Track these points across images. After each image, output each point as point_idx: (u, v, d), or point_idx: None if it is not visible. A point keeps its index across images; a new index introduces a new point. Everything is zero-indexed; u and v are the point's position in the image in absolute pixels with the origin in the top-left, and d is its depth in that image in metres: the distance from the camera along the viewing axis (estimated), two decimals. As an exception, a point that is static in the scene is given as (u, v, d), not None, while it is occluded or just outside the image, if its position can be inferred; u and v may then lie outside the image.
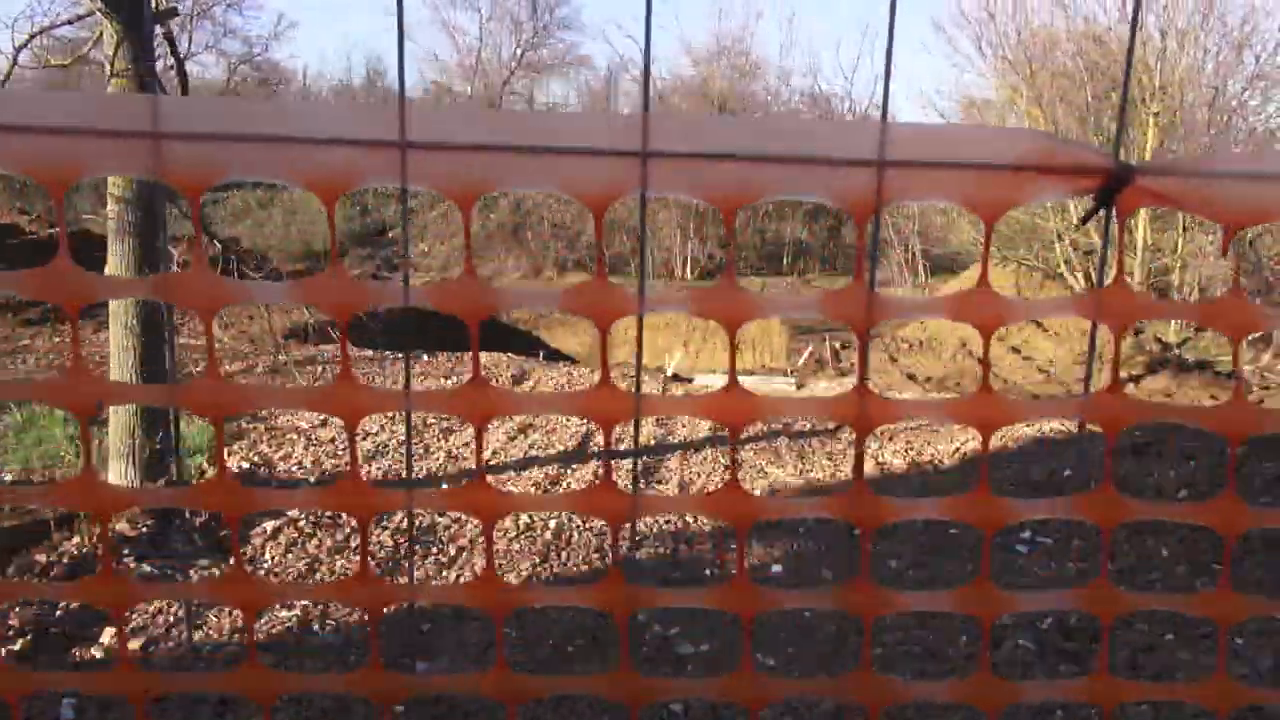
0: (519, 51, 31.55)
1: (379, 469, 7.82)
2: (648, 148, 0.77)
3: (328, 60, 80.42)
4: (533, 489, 7.34)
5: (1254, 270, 16.18)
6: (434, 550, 6.00)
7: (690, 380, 13.72)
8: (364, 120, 0.85)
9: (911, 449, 8.90)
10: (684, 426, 9.87)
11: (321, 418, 9.57)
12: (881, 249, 25.13)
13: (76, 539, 5.49)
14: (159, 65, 9.12)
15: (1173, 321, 18.69)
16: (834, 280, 24.73)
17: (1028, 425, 9.54)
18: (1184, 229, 18.65)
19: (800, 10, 57.77)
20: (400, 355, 13.61)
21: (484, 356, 13.88)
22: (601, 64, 60.11)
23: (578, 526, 6.51)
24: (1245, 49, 18.03)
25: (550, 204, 27.23)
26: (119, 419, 6.25)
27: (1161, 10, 17.85)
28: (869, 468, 8.36)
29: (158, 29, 6.45)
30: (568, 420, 9.94)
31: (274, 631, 4.75)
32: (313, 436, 8.80)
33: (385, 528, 6.34)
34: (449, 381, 12.02)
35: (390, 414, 9.43)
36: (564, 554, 5.97)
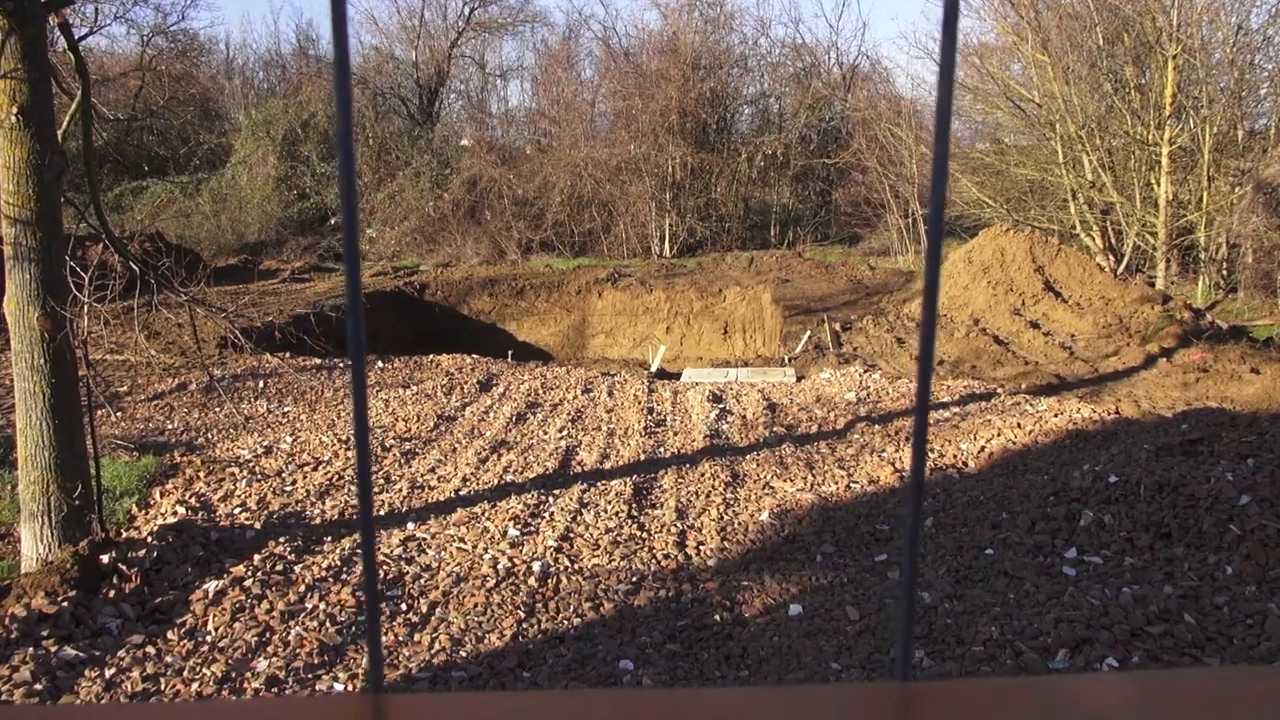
0: (467, 10, 30.94)
1: (334, 507, 7.51)
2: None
3: (252, 27, 78.99)
4: (511, 523, 7.08)
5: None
6: (402, 608, 5.72)
7: (677, 376, 13.46)
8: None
9: (933, 449, 8.71)
10: (676, 435, 9.63)
11: (265, 444, 9.26)
12: (878, 213, 24.96)
13: (-14, 621, 5.16)
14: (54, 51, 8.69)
15: (1200, 283, 18.66)
16: (827, 251, 24.53)
17: (1056, 415, 9.41)
18: (1208, 179, 18.58)
19: (775, -50, 57.34)
20: (346, 363, 13.26)
21: (447, 360, 13.56)
22: (559, 20, 59.50)
23: (566, 569, 6.25)
24: (1269, -22, 17.87)
25: (509, 179, 26.80)
26: (30, 476, 5.91)
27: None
28: (886, 475, 8.16)
29: (50, 18, 6.06)
30: (545, 434, 9.68)
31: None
32: (256, 469, 8.48)
33: (345, 582, 6.06)
34: (407, 391, 11.71)
35: (343, 438, 9.15)
36: (552, 605, 5.71)
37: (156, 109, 27.13)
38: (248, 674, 4.92)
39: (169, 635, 5.34)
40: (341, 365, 12.97)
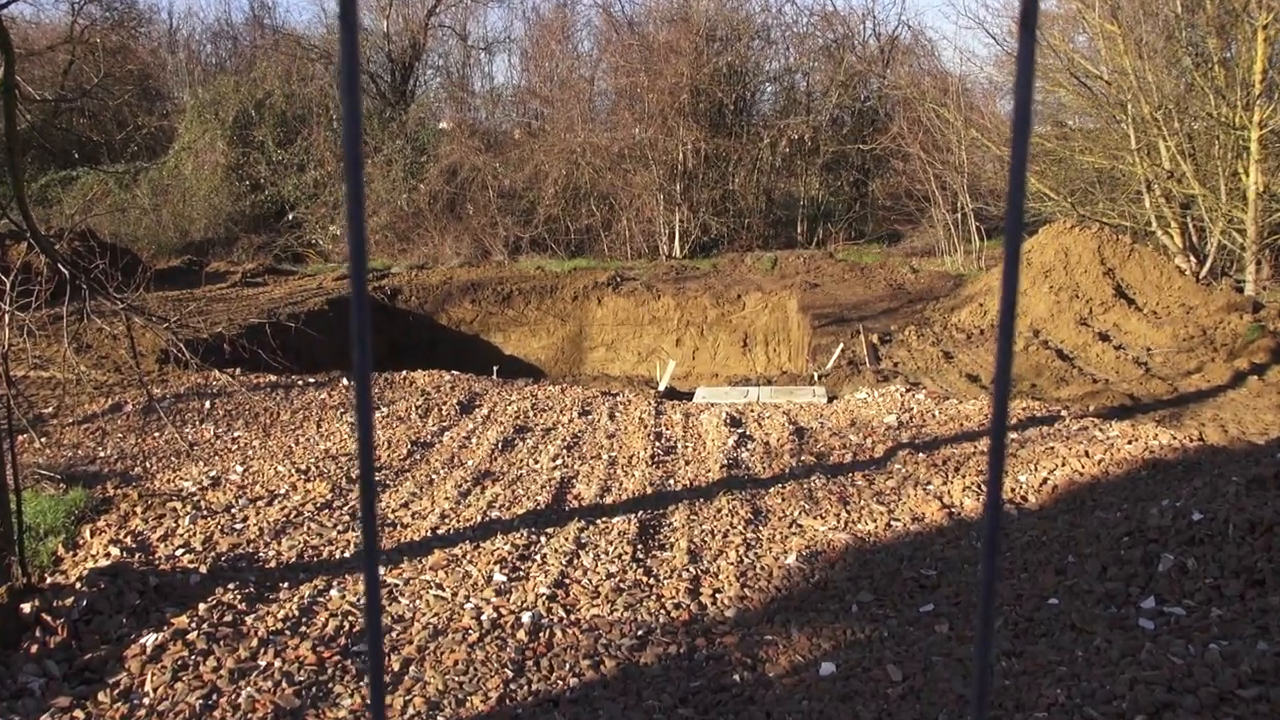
0: (446, -27, 31.15)
1: (291, 547, 7.51)
2: None
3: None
4: (497, 566, 7.08)
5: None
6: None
7: (689, 396, 13.47)
8: None
9: (987, 482, 8.69)
10: (688, 464, 9.63)
11: (212, 475, 9.27)
12: (921, 207, 25.00)
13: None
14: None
15: (1296, 288, 18.63)
16: (863, 251, 24.56)
17: (1130, 442, 9.40)
18: (1305, 169, 18.58)
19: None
20: (306, 381, 13.30)
21: (422, 377, 13.60)
22: (552, -18, 59.68)
23: (561, 621, 6.24)
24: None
25: (495, 167, 26.89)
26: (-61, 511, 5.92)
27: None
28: (933, 511, 8.15)
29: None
30: (536, 463, 9.68)
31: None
32: (201, 504, 8.49)
33: (304, 635, 6.05)
34: (377, 413, 11.73)
35: (302, 468, 9.17)
36: (545, 662, 5.70)
37: (89, 87, 27.29)
38: (191, 743, 4.91)
39: (100, 697, 5.33)
40: (300, 383, 13.00)
